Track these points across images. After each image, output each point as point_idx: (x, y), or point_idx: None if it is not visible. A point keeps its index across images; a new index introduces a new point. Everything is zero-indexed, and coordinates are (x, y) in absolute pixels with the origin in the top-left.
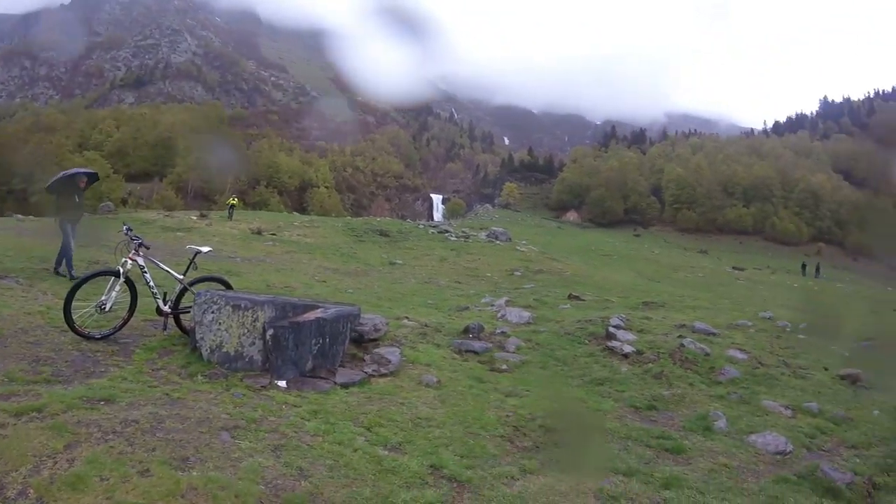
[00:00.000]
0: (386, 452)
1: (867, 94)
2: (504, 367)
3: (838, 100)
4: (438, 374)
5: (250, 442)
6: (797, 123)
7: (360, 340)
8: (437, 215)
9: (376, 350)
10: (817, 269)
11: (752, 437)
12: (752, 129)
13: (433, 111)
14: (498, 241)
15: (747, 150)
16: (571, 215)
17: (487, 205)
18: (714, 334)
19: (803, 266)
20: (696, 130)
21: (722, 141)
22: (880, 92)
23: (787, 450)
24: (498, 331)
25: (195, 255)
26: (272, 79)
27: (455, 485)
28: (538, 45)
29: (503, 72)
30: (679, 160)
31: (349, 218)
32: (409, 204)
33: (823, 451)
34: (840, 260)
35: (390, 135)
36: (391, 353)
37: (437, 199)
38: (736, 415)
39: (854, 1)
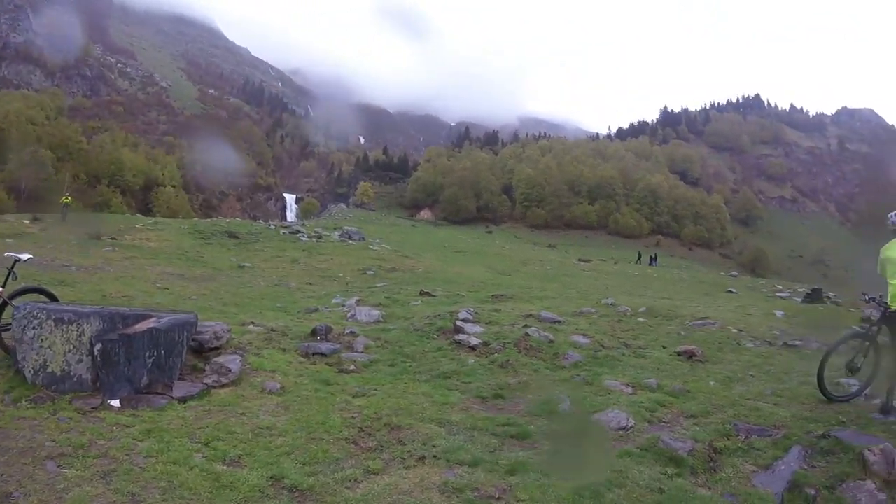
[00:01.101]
0: (224, 468)
1: (703, 106)
2: (352, 367)
3: (677, 109)
4: (283, 380)
5: (77, 470)
6: (639, 129)
7: (201, 350)
8: (291, 215)
9: (216, 359)
10: (654, 258)
11: (596, 415)
12: (597, 134)
13: (288, 107)
14: (351, 241)
15: (593, 153)
16: (425, 213)
17: (342, 204)
18: (559, 322)
19: (639, 255)
20: (545, 133)
21: (569, 143)
22: (715, 104)
23: (629, 425)
24: (347, 331)
25: (14, 263)
26: (119, 65)
27: (297, 494)
28: (397, 45)
29: (360, 70)
30: (529, 161)
31: (197, 220)
32: (262, 204)
33: (664, 422)
34: (677, 250)
35: (242, 130)
36: (232, 361)
37: (290, 198)
38: (580, 396)
39: (692, 22)
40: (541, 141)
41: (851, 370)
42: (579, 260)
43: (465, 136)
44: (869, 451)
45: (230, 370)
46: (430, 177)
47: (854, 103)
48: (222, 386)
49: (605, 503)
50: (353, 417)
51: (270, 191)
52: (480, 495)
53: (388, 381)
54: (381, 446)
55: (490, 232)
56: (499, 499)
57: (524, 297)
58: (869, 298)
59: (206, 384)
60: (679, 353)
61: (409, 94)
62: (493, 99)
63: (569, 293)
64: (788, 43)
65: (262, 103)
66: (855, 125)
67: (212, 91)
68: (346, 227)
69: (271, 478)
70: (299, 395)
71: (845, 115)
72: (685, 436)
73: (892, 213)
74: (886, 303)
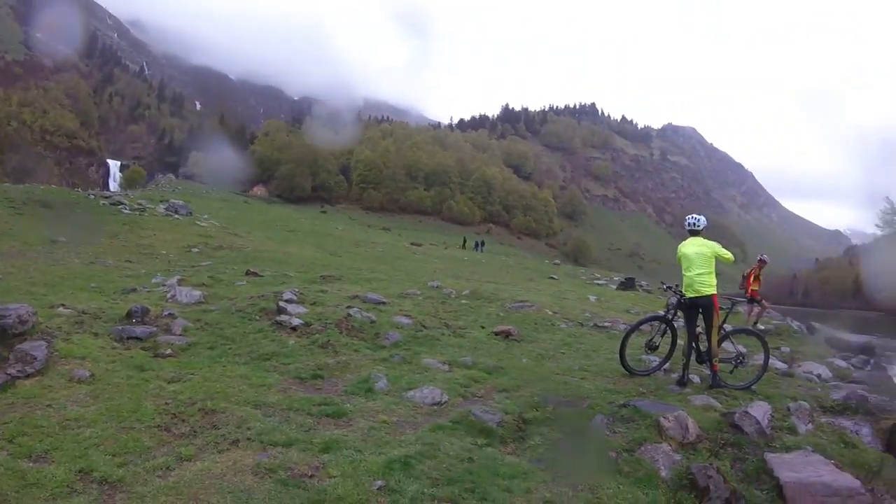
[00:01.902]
0: (30, 464)
1: (543, 107)
2: (168, 351)
3: (518, 108)
4: (93, 367)
5: None
6: (480, 123)
7: (3, 336)
8: (113, 184)
9: (21, 346)
10: (481, 244)
11: (411, 392)
12: (439, 123)
13: (122, 62)
14: (178, 216)
15: (433, 140)
16: (259, 190)
17: (171, 175)
18: (384, 303)
19: (464, 241)
20: (388, 118)
21: (411, 129)
22: (554, 107)
23: (443, 400)
24: (165, 313)
25: None
26: None
27: (106, 487)
28: (247, 7)
29: (204, 30)
30: (369, 143)
31: (7, 185)
32: (83, 170)
33: (477, 397)
34: (506, 238)
35: (68, 84)
36: (37, 347)
37: (114, 165)
38: (397, 374)
39: (545, 29)
40: (383, 124)
41: (651, 348)
42: (411, 244)
43: (308, 113)
44: (664, 418)
45: (35, 358)
46: (267, 151)
47: (679, 121)
48: (27, 376)
49: (415, 474)
50: (166, 404)
51: (93, 155)
52: (293, 474)
53: (206, 364)
54: (195, 432)
55: (325, 212)
56: (311, 476)
57: (353, 278)
58: (667, 287)
59: (9, 374)
60: (496, 333)
61: (255, 62)
62: (340, 77)
63: (397, 276)
64: (627, 61)
65: (93, 55)
66: (677, 140)
67: (39, 35)
68: (172, 201)
69: (80, 471)
70: (110, 383)
71: (669, 130)
72: (496, 409)
73: (689, 216)
74: (682, 291)
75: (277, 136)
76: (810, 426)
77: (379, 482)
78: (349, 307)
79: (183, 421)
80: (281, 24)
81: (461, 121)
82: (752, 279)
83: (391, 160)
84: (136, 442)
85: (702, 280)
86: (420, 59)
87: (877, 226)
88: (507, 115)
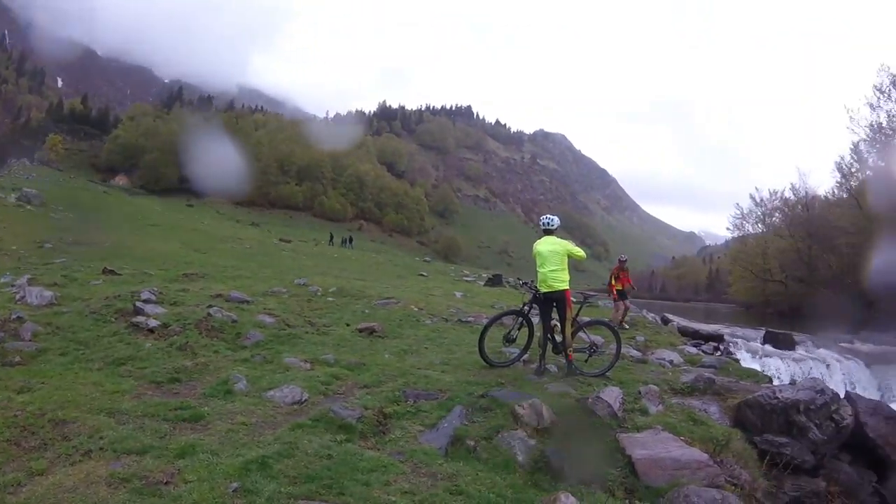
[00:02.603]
0: None
1: (419, 107)
2: (17, 359)
3: (395, 106)
4: None
5: None
6: (356, 118)
7: None
8: None
9: None
10: (349, 240)
11: (271, 392)
12: (315, 116)
13: None
14: (30, 206)
15: (307, 134)
16: (121, 179)
17: (25, 160)
18: (248, 302)
19: (331, 237)
20: (262, 108)
21: (285, 122)
22: (430, 107)
23: (303, 399)
24: (13, 316)
25: None
26: None
27: None
28: None
29: (75, 0)
30: (241, 133)
31: None
32: None
33: (338, 394)
34: (378, 235)
35: None
36: None
37: None
38: (258, 374)
39: (426, 29)
40: (256, 114)
41: (509, 340)
42: (280, 240)
43: (178, 97)
44: (519, 406)
45: None
46: (131, 137)
47: (550, 128)
48: None
49: (272, 474)
50: (15, 416)
51: None
52: (148, 482)
53: (58, 372)
54: (45, 444)
55: (191, 205)
56: (167, 483)
57: (217, 276)
58: (523, 283)
59: None
60: (360, 330)
61: (126, 39)
62: (215, 61)
63: (264, 273)
64: (504, 66)
65: None
66: (548, 145)
67: None
68: (25, 189)
69: None
70: None
71: (540, 135)
72: (356, 404)
73: (543, 217)
74: (537, 287)
75: (144, 120)
76: (661, 407)
77: (235, 484)
78: (210, 307)
79: (33, 433)
80: (158, 2)
81: (337, 115)
82: (612, 280)
83: (263, 153)
84: None
85: (555, 276)
86: (300, 51)
87: (727, 229)
88: (384, 112)
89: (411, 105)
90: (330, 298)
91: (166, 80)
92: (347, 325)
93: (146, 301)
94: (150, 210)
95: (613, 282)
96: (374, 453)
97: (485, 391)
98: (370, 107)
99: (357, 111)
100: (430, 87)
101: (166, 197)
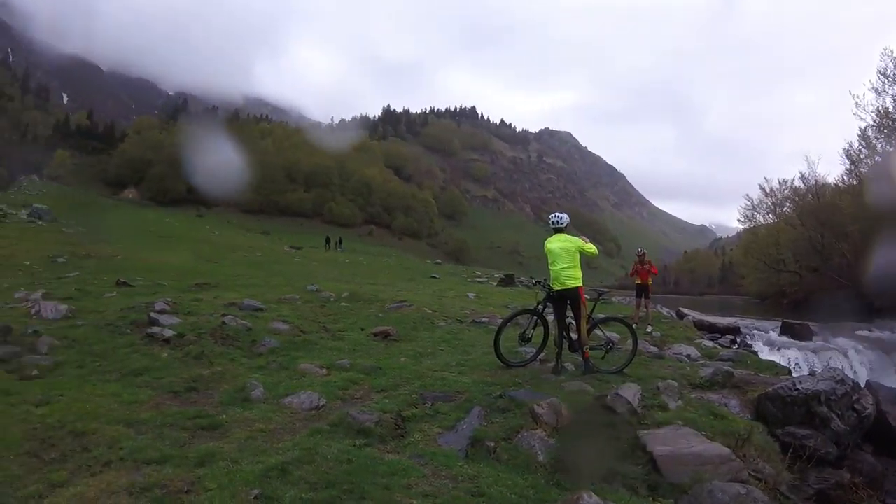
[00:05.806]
0: None
1: (424, 109)
2: (35, 372)
3: (400, 110)
4: None
5: None
6: (361, 123)
7: None
8: None
9: None
10: (339, 242)
11: (288, 398)
12: (320, 123)
13: None
14: (41, 222)
15: (313, 141)
16: (130, 192)
17: (34, 176)
18: (261, 309)
19: (327, 240)
20: (268, 116)
21: (290, 129)
22: (435, 110)
23: (321, 404)
24: (30, 330)
25: None
26: None
27: None
28: None
29: (77, 16)
30: (247, 142)
31: None
32: None
33: (355, 399)
34: (388, 239)
35: None
36: None
37: None
38: (274, 381)
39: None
40: (262, 123)
41: (524, 340)
42: (290, 247)
43: (183, 109)
44: (538, 405)
45: None
46: (137, 151)
47: (556, 126)
48: None
49: (292, 480)
50: (34, 429)
51: None
52: (169, 491)
53: (75, 384)
54: (66, 456)
55: (201, 216)
56: (187, 491)
57: (229, 285)
58: (536, 282)
59: None
60: (375, 335)
61: (128, 52)
62: (218, 71)
63: (275, 280)
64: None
65: None
66: (554, 143)
67: None
68: (35, 205)
69: None
70: None
71: (546, 134)
72: (374, 409)
73: (553, 214)
74: (549, 285)
75: (149, 134)
76: (680, 402)
77: (255, 491)
78: (224, 315)
79: (53, 445)
80: (159, 14)
81: (342, 121)
82: (633, 274)
83: (270, 161)
84: (4, 471)
85: (567, 273)
86: (303, 58)
87: (738, 220)
88: (389, 116)
89: (415, 108)
90: (343, 304)
91: (171, 93)
92: (362, 329)
93: (160, 312)
94: (160, 222)
95: (633, 276)
96: (393, 457)
97: (502, 391)
98: (375, 111)
99: (362, 116)
100: (433, 90)
101: (175, 208)
